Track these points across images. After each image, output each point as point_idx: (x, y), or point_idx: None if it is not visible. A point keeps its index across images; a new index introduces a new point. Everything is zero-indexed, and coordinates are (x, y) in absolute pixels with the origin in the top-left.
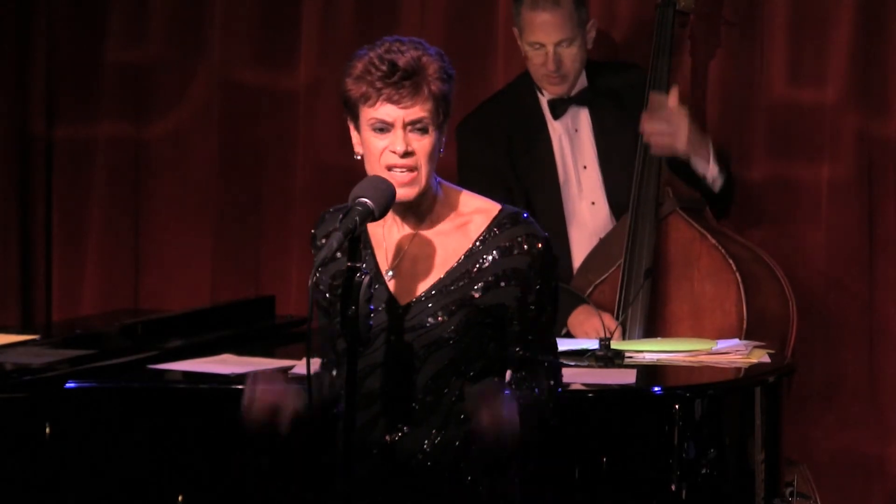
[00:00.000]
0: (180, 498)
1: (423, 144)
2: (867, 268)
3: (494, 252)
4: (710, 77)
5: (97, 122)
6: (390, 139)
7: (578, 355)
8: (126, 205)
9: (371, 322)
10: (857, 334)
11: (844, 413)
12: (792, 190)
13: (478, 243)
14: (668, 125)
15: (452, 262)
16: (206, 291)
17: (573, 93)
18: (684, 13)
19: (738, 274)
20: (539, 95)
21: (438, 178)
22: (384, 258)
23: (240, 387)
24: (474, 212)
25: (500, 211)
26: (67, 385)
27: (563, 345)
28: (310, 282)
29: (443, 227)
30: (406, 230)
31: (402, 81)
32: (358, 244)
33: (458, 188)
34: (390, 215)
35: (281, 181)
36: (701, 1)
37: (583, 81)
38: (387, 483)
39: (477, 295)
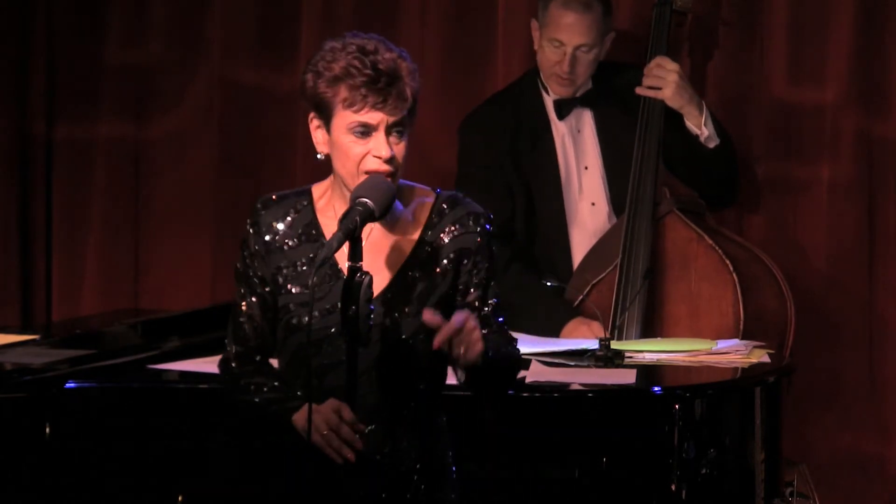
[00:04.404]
0: (180, 498)
1: (400, 148)
2: (867, 268)
3: (442, 237)
4: (710, 77)
5: (97, 122)
6: (372, 144)
7: (578, 355)
8: (126, 205)
9: (371, 322)
10: (857, 334)
11: (844, 413)
12: (792, 190)
13: (429, 232)
14: (657, 70)
15: (405, 256)
16: (206, 291)
17: (578, 94)
18: (681, 13)
19: (734, 274)
20: (544, 95)
21: None
22: (340, 253)
23: None
24: (415, 199)
25: (438, 196)
26: (67, 385)
27: (563, 345)
28: (310, 282)
29: (391, 218)
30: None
31: (388, 88)
32: (358, 244)
33: None
34: (340, 207)
35: (281, 181)
36: (700, 1)
37: (588, 83)
38: (343, 484)
39: (433, 286)
